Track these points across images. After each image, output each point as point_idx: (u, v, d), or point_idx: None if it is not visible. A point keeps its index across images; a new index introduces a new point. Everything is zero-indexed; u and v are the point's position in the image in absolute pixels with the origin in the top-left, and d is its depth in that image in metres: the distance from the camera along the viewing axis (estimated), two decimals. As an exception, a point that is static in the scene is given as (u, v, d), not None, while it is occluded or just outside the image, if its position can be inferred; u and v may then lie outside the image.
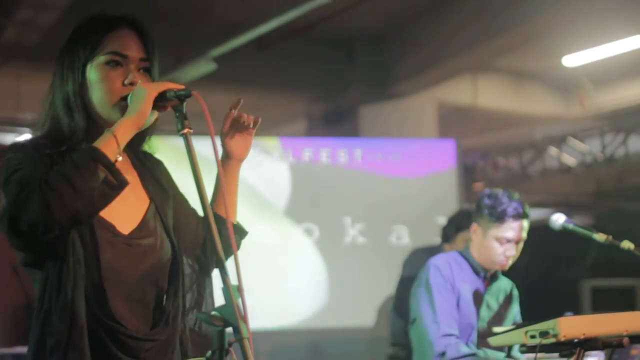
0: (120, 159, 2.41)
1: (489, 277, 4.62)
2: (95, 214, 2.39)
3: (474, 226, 4.59)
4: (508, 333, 3.56)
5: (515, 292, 4.77)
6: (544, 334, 3.30)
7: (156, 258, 2.58)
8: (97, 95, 2.54)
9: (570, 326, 3.31)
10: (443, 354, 4.29)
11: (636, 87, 13.02)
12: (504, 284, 4.73)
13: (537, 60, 12.44)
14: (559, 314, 3.42)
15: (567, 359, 3.44)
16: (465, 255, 4.64)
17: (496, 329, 4.11)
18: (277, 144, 9.71)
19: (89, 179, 2.31)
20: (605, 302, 13.11)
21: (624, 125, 12.76)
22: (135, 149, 2.68)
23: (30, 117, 11.83)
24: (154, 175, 2.71)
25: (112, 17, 2.59)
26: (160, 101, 2.44)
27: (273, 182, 9.44)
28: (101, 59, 2.53)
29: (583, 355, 3.38)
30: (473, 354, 4.26)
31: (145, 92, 2.39)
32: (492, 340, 3.66)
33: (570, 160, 13.41)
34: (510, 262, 4.52)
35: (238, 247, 2.66)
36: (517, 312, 4.75)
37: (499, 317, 4.63)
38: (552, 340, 3.28)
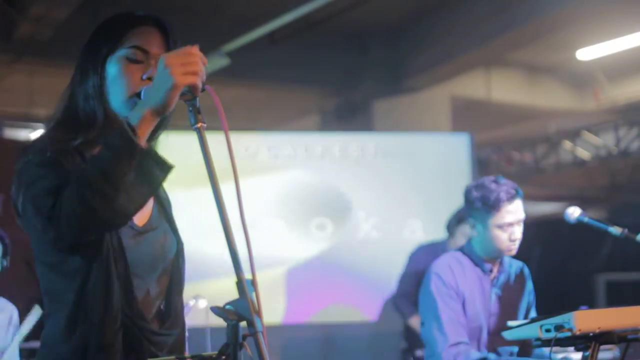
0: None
1: (496, 270, 4.51)
2: (142, 205, 2.34)
3: (471, 222, 4.48)
4: (523, 327, 3.55)
5: (527, 271, 4.66)
6: (559, 327, 3.29)
7: (167, 250, 2.61)
8: (114, 89, 2.52)
9: (586, 320, 3.30)
10: None
11: (651, 81, 13.01)
12: (514, 267, 4.63)
13: (551, 54, 12.43)
14: (573, 307, 3.41)
15: (582, 353, 3.43)
16: (467, 253, 4.52)
17: (511, 323, 4.08)
18: (290, 139, 9.70)
19: (125, 174, 2.24)
20: (619, 296, 13.09)
21: (638, 119, 12.73)
22: None
23: (44, 112, 11.88)
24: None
25: (138, 14, 2.59)
26: None
27: (286, 176, 9.43)
28: (122, 52, 2.52)
29: (598, 349, 3.37)
30: (483, 359, 4.21)
31: (173, 82, 2.25)
32: (506, 335, 3.64)
33: (584, 153, 13.39)
34: (517, 246, 4.43)
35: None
36: (531, 290, 4.65)
37: (512, 304, 4.56)
38: (567, 333, 3.27)
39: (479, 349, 4.36)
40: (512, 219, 4.36)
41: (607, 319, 3.39)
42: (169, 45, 2.58)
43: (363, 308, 9.44)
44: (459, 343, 4.25)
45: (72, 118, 2.55)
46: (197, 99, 2.34)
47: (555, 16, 9.91)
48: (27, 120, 11.58)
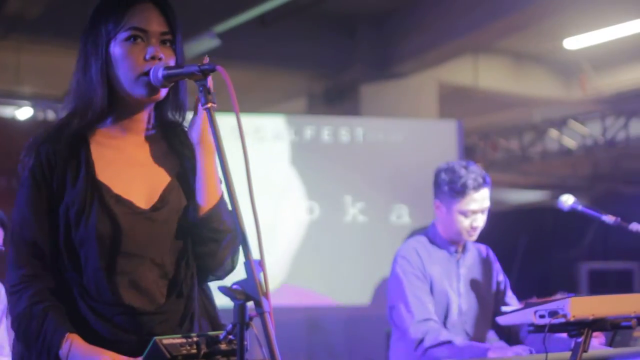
0: None
1: (460, 251, 4.57)
2: None
3: (437, 203, 4.53)
4: (516, 312, 3.56)
5: (491, 252, 4.71)
6: (553, 313, 3.29)
7: (178, 226, 2.61)
8: (122, 72, 2.55)
9: (580, 306, 3.30)
10: (421, 340, 4.22)
11: (637, 71, 13.04)
12: (478, 249, 4.68)
13: (539, 42, 12.44)
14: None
15: (574, 340, 3.44)
16: (431, 236, 4.58)
17: (504, 309, 4.10)
18: (278, 121, 9.70)
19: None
20: (602, 285, 13.17)
21: (625, 109, 12.76)
22: (163, 121, 2.73)
23: (30, 90, 11.83)
24: (182, 144, 2.72)
25: None
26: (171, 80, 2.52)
27: (274, 159, 9.43)
28: (123, 35, 2.55)
29: (591, 336, 3.39)
30: (448, 342, 4.19)
31: None
32: (500, 320, 3.65)
33: (570, 142, 13.41)
34: (477, 233, 4.49)
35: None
36: (499, 270, 4.69)
37: (480, 284, 4.58)
38: (562, 320, 3.28)
39: (445, 329, 4.38)
40: (475, 207, 4.41)
41: (601, 306, 3.40)
42: (168, 20, 2.60)
43: (349, 292, 9.46)
44: (427, 319, 4.28)
45: (83, 106, 2.59)
46: (208, 79, 2.36)
47: (543, 5, 9.94)
48: (13, 97, 11.52)
